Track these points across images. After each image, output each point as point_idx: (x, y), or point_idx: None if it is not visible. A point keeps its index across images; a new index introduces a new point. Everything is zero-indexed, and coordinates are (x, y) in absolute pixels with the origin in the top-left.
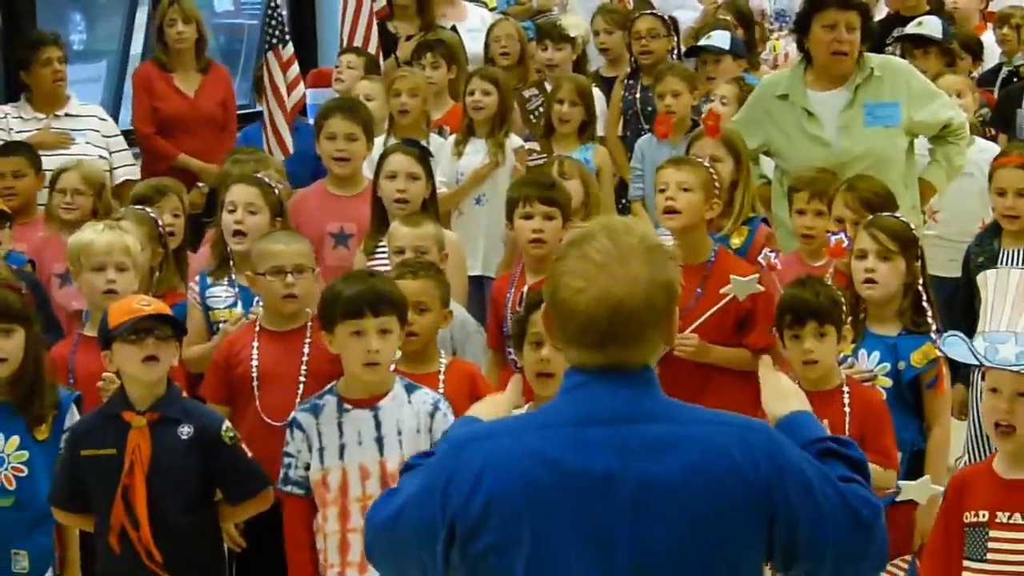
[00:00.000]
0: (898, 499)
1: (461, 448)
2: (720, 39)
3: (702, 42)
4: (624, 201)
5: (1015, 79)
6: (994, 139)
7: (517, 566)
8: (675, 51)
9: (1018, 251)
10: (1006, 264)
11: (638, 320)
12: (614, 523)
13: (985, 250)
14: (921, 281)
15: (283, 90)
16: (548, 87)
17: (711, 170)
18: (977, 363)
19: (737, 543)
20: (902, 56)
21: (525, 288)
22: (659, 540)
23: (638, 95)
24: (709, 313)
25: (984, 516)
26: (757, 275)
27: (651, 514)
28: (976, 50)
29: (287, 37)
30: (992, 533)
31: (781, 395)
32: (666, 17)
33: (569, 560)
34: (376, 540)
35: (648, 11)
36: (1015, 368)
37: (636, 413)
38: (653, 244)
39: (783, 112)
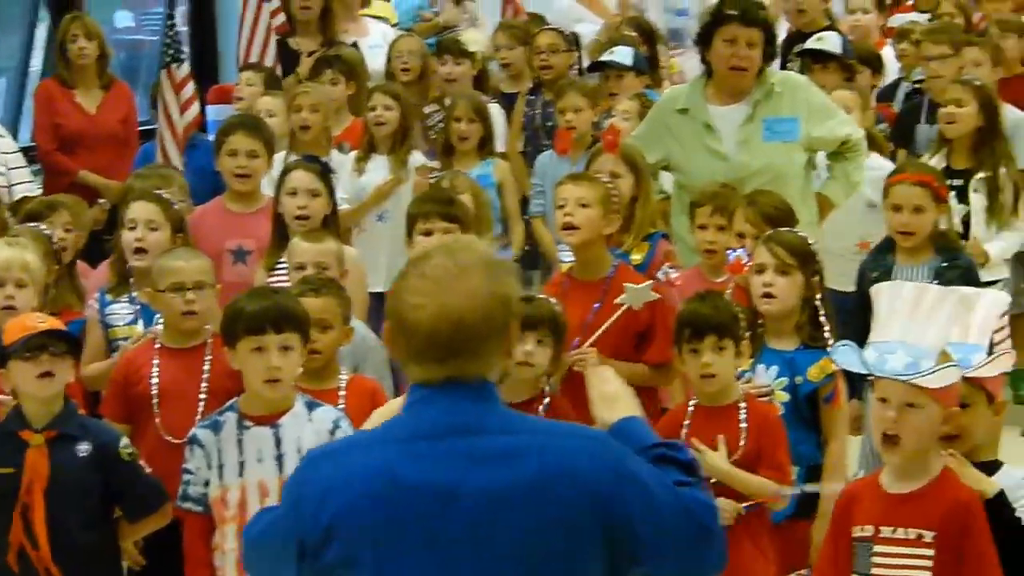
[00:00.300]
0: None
1: (311, 465)
2: (623, 55)
3: (605, 57)
4: (526, 217)
5: (915, 94)
6: (893, 155)
7: None
8: (576, 66)
9: (913, 268)
10: (899, 278)
11: (477, 334)
12: (456, 535)
13: (880, 266)
14: (819, 296)
15: (173, 109)
16: (447, 102)
17: (610, 185)
18: (866, 372)
19: (578, 552)
20: (801, 71)
21: None
22: (501, 550)
23: (539, 111)
24: (605, 326)
25: (870, 531)
26: (651, 282)
27: (492, 525)
28: (876, 64)
29: (183, 56)
30: (877, 548)
31: (610, 400)
32: (567, 32)
33: (413, 574)
34: (248, 555)
35: (549, 26)
36: (903, 377)
37: (476, 426)
38: (492, 260)
39: (683, 126)
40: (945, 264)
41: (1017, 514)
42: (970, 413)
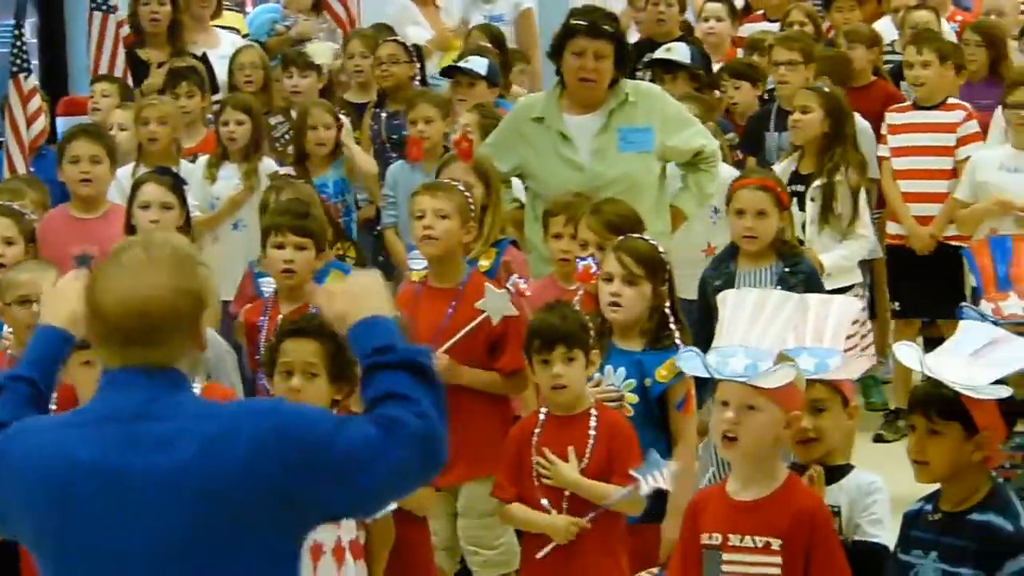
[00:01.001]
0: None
1: (4, 441)
2: (478, 64)
3: (460, 64)
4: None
5: (766, 102)
6: (742, 163)
7: (46, 560)
8: (417, 77)
9: (753, 273)
10: (742, 284)
11: (161, 325)
12: (128, 517)
13: (722, 274)
14: (669, 304)
15: (20, 121)
16: (293, 114)
17: (467, 195)
18: (708, 375)
19: (254, 526)
20: (652, 81)
21: (279, 317)
22: (171, 533)
23: (383, 123)
24: (460, 335)
25: (718, 539)
26: (505, 291)
27: (161, 506)
28: (752, 75)
29: (30, 66)
30: (726, 556)
31: (360, 296)
32: (409, 44)
33: (87, 554)
34: None
35: (391, 37)
36: (741, 379)
37: (153, 411)
38: (184, 255)
39: (538, 135)
40: (788, 270)
41: (869, 521)
42: (827, 416)
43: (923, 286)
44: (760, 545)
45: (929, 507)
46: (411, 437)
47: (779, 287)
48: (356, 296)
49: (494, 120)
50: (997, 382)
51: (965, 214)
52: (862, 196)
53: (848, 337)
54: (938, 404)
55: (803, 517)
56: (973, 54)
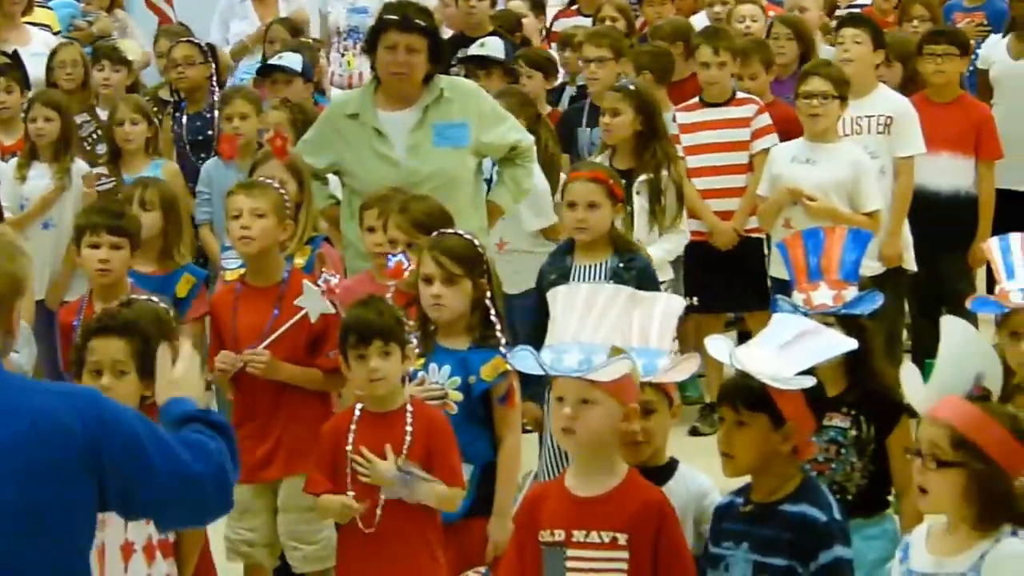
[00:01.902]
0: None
1: None
2: (292, 60)
3: (273, 61)
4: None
5: (578, 98)
6: None
7: None
8: (213, 77)
9: (589, 266)
10: (578, 279)
11: None
12: None
13: (558, 267)
14: (489, 295)
15: None
16: (100, 112)
17: (283, 193)
18: (543, 373)
19: (72, 498)
20: (466, 77)
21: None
22: (4, 497)
23: (184, 124)
24: (280, 331)
25: (560, 535)
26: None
27: None
28: (547, 67)
29: None
30: (570, 552)
31: (175, 386)
32: (203, 44)
33: None
34: None
35: (185, 38)
36: (576, 374)
37: None
38: (7, 242)
39: (353, 131)
40: (622, 265)
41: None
42: (655, 418)
43: (725, 280)
44: (607, 540)
45: (740, 499)
46: (208, 458)
47: (613, 281)
48: (176, 386)
49: (303, 116)
50: (803, 373)
51: (763, 208)
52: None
53: (675, 338)
54: (744, 395)
55: (649, 510)
56: (783, 47)
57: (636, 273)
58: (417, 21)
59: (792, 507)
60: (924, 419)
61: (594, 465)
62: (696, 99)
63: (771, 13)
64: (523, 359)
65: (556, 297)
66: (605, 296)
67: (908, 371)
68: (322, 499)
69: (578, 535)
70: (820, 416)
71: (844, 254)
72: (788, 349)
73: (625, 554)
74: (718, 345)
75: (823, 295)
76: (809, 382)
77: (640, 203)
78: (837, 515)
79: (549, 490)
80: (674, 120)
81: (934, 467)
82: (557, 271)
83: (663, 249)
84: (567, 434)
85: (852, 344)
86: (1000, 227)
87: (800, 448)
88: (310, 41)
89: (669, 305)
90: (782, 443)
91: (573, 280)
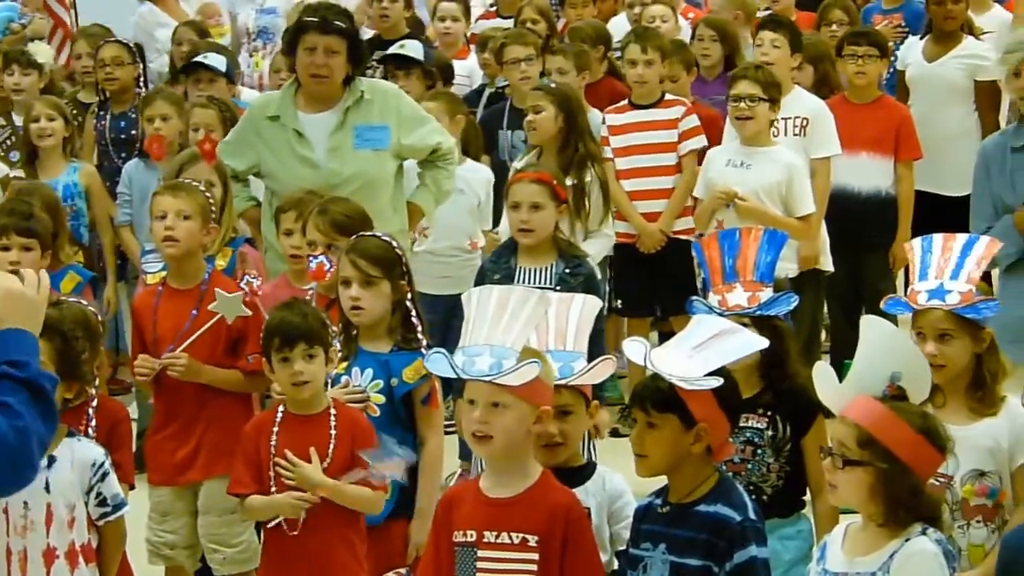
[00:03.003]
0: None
1: None
2: (216, 60)
3: (199, 60)
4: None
5: (497, 100)
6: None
7: None
8: (140, 78)
9: (534, 269)
10: (522, 281)
11: None
12: None
13: (501, 268)
14: (409, 297)
15: None
16: (14, 117)
17: (207, 195)
18: (456, 376)
19: None
20: (384, 78)
21: None
22: None
23: (108, 123)
24: (198, 333)
25: (472, 536)
26: (241, 293)
27: None
28: (447, 74)
29: None
30: (480, 553)
31: (12, 304)
32: (131, 45)
33: None
34: None
35: (113, 39)
36: (487, 378)
37: None
38: None
39: (274, 133)
40: (568, 270)
41: (625, 526)
42: (572, 420)
43: (651, 282)
44: (516, 541)
45: (659, 500)
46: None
47: (559, 288)
48: (9, 303)
49: (231, 114)
50: (715, 373)
51: (698, 211)
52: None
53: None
54: (653, 397)
55: (558, 512)
56: (708, 49)
57: (583, 279)
58: (337, 23)
59: (707, 508)
60: (835, 418)
61: (507, 467)
62: (625, 101)
63: (690, 14)
64: (437, 362)
65: (470, 299)
66: (516, 298)
67: (820, 371)
68: (252, 500)
69: (489, 536)
70: (735, 417)
71: (759, 255)
72: (701, 350)
73: (535, 555)
74: (635, 347)
75: (738, 296)
76: (716, 383)
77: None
78: (752, 515)
79: (464, 491)
80: (603, 122)
81: (841, 466)
82: (501, 271)
83: (594, 251)
84: (478, 438)
85: (763, 344)
86: (913, 227)
87: (715, 449)
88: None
89: (586, 307)
90: (694, 444)
91: (517, 283)
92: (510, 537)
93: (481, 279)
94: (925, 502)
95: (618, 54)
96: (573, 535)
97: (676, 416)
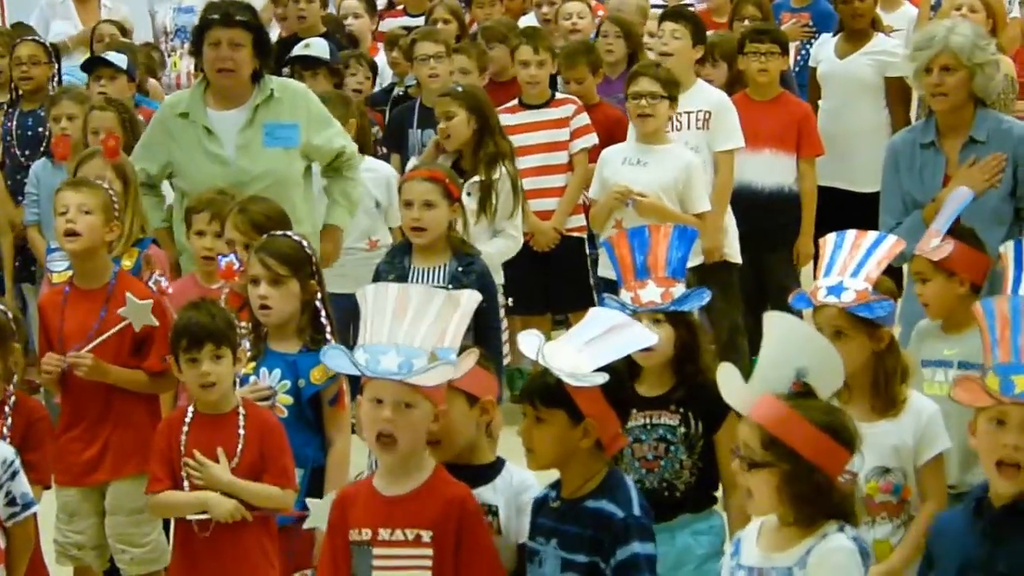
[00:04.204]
0: (306, 525)
1: None
2: (118, 58)
3: (101, 55)
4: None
5: (405, 99)
6: (386, 157)
7: None
8: (55, 77)
9: (427, 269)
10: (415, 281)
11: None
12: None
13: (396, 268)
14: (319, 297)
15: None
16: None
17: (110, 192)
18: (359, 374)
19: None
20: (292, 77)
21: None
22: None
23: (16, 121)
24: (105, 336)
25: (367, 534)
26: (151, 301)
27: None
28: (371, 70)
29: None
30: (376, 551)
31: None
32: (48, 44)
33: None
34: None
35: (30, 37)
36: (398, 377)
37: None
38: None
39: (184, 131)
40: (461, 269)
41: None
42: (450, 416)
43: (545, 280)
44: (411, 538)
45: (553, 494)
46: None
47: (452, 286)
48: None
49: (129, 116)
50: (603, 368)
51: (594, 211)
52: (517, 193)
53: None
54: (540, 392)
55: (452, 507)
56: (611, 45)
57: (476, 277)
58: (239, 17)
59: (593, 503)
60: (742, 419)
61: (403, 465)
62: (516, 101)
63: (600, 12)
64: (335, 358)
65: (366, 297)
66: (420, 297)
67: (724, 371)
68: (175, 495)
69: (384, 533)
70: (625, 412)
71: (670, 251)
72: (592, 345)
73: (429, 551)
74: (528, 341)
75: (651, 293)
76: (601, 379)
77: (471, 204)
78: (636, 511)
79: (358, 490)
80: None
81: (746, 469)
82: (395, 271)
83: (496, 250)
84: (385, 441)
85: (653, 339)
86: (824, 224)
87: (606, 443)
88: (134, 44)
89: (468, 303)
90: (582, 439)
91: (412, 283)
92: (404, 534)
93: (376, 280)
94: (835, 499)
95: None
96: (467, 529)
97: (564, 411)
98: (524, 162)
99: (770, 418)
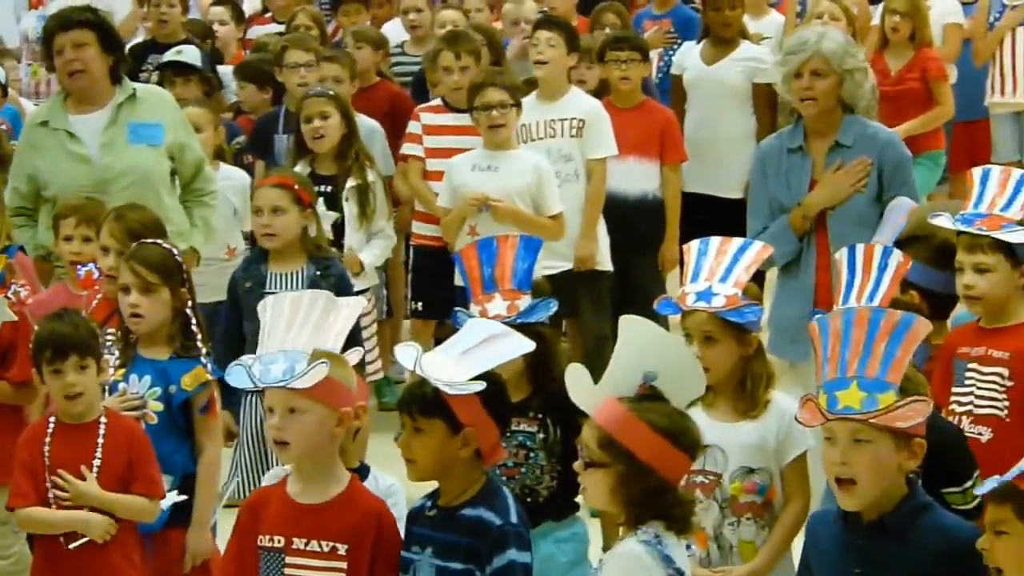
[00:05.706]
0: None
1: None
2: None
3: None
4: None
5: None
6: (251, 166)
7: None
8: None
9: (284, 274)
10: (274, 288)
11: None
12: None
13: (252, 275)
14: (189, 304)
15: None
16: None
17: None
18: (253, 385)
19: None
20: (160, 84)
21: None
22: None
23: None
24: None
25: (280, 541)
26: (4, 299)
27: None
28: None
29: None
30: (288, 559)
31: None
32: None
33: None
34: None
35: None
36: (280, 383)
37: None
38: None
39: (46, 139)
40: (319, 272)
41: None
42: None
43: (446, 285)
44: (327, 549)
45: (429, 503)
46: None
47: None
48: None
49: None
50: (480, 377)
51: (446, 220)
52: (387, 194)
53: (366, 338)
54: (419, 402)
55: (368, 520)
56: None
57: (334, 281)
58: (76, 17)
59: (470, 511)
60: (586, 420)
61: (313, 473)
62: (439, 101)
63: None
64: (237, 375)
65: (265, 309)
66: (307, 301)
67: (572, 372)
68: (41, 512)
69: (298, 543)
70: (505, 421)
71: (516, 263)
72: (469, 354)
73: (344, 564)
74: (406, 351)
75: (497, 306)
76: (478, 387)
77: (350, 209)
78: (513, 519)
79: (272, 495)
80: (418, 119)
81: (583, 468)
82: (252, 279)
83: (372, 254)
84: (279, 446)
85: (529, 346)
86: (691, 230)
87: (485, 453)
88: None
89: (353, 307)
90: (461, 448)
91: (268, 288)
92: (320, 545)
93: (233, 287)
94: (666, 502)
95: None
96: (382, 542)
97: (442, 421)
98: (440, 164)
99: (609, 419)
